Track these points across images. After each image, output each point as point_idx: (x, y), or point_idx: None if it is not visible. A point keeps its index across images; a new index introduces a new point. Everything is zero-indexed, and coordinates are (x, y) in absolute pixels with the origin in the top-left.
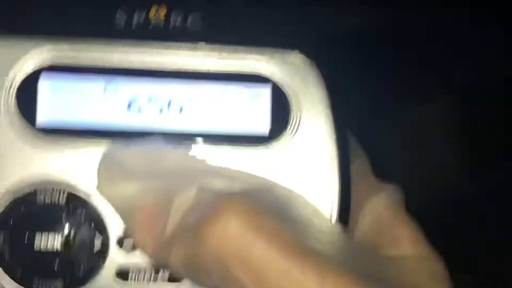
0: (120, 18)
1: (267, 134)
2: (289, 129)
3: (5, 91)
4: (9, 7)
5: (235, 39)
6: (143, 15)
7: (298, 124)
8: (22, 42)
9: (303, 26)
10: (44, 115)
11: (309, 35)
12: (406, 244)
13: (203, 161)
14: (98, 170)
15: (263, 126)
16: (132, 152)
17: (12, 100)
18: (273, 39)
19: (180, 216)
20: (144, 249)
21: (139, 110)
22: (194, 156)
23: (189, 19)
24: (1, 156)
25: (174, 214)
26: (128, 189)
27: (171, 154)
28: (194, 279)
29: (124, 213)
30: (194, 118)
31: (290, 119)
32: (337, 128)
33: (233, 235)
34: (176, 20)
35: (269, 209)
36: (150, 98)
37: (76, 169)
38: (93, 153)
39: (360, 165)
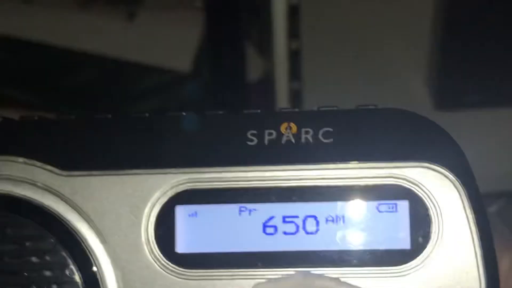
0: (251, 139)
1: (408, 249)
2: (432, 241)
3: (143, 226)
4: (141, 143)
5: (369, 155)
6: (274, 134)
7: (441, 236)
8: (153, 176)
9: (437, 138)
10: (183, 246)
11: (445, 146)
12: None
13: None
14: None
15: (403, 242)
16: None
17: (152, 232)
18: (408, 152)
19: None
20: None
21: (275, 231)
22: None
23: (320, 136)
24: (141, 286)
25: None
26: None
27: None
28: None
29: None
30: (332, 237)
31: (431, 231)
32: (482, 237)
33: None
34: (307, 137)
35: None
36: (284, 217)
37: None
38: (234, 283)
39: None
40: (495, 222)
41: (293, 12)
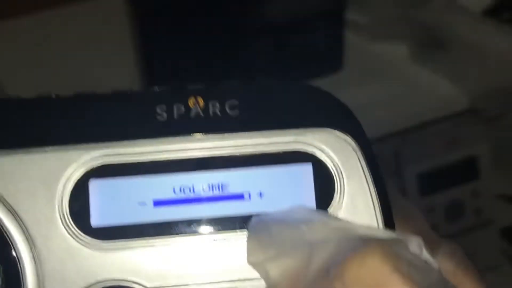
0: (161, 113)
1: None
2: (335, 201)
3: (58, 199)
4: (50, 119)
5: (272, 123)
6: (182, 108)
7: (343, 199)
8: (69, 151)
9: (334, 106)
10: (97, 219)
11: (341, 113)
12: None
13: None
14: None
15: (309, 202)
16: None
17: (66, 208)
18: (309, 120)
19: (319, 264)
20: None
21: (187, 201)
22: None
23: (226, 107)
24: (60, 262)
25: (313, 267)
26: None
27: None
28: None
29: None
30: (240, 203)
31: (335, 194)
32: (381, 193)
33: (376, 271)
34: (214, 109)
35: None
36: (195, 188)
37: (134, 267)
38: (148, 251)
39: (417, 224)
40: (395, 197)
41: None
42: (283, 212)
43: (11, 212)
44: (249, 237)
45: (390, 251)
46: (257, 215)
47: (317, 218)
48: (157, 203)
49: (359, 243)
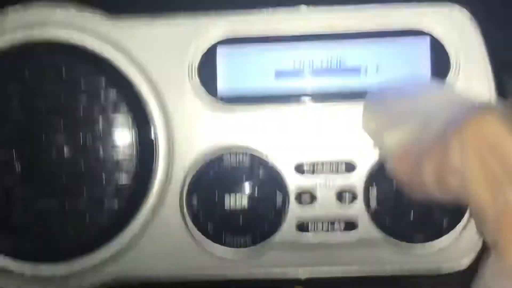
0: None
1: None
2: (450, 77)
3: (188, 66)
4: None
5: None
6: None
7: (458, 75)
8: (198, 19)
9: None
10: (224, 85)
11: None
12: None
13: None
14: (364, 107)
15: (424, 77)
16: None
17: (195, 74)
18: None
19: (434, 130)
20: (401, 176)
21: (308, 73)
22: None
23: None
24: (188, 124)
25: (428, 133)
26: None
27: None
28: (444, 192)
29: (385, 148)
30: (363, 73)
31: (450, 69)
32: (496, 78)
33: (494, 131)
34: None
35: None
36: (316, 60)
37: (255, 133)
38: (268, 117)
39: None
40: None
41: None
42: (399, 85)
43: (144, 72)
44: (365, 107)
45: (506, 116)
46: (374, 87)
47: (433, 91)
48: (279, 73)
49: (476, 109)
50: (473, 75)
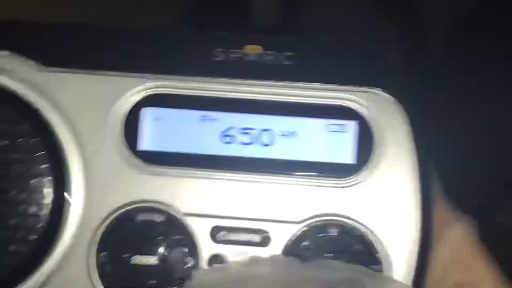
0: (218, 55)
1: (353, 163)
2: (373, 161)
3: (110, 123)
4: (113, 45)
5: (324, 77)
6: (240, 53)
7: (381, 157)
8: (126, 79)
9: (387, 65)
10: (146, 144)
11: (394, 73)
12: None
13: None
14: None
15: (348, 158)
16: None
17: (118, 132)
18: (359, 78)
19: None
20: None
21: (232, 140)
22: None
23: (282, 58)
24: (105, 182)
25: None
26: None
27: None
28: None
29: None
30: (284, 149)
31: (373, 151)
32: (421, 163)
33: None
34: (270, 58)
35: None
36: (242, 129)
37: (173, 194)
38: (188, 180)
39: (437, 197)
40: (437, 193)
41: None
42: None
43: (68, 122)
44: None
45: None
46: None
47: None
48: (202, 137)
49: None
50: (396, 161)
